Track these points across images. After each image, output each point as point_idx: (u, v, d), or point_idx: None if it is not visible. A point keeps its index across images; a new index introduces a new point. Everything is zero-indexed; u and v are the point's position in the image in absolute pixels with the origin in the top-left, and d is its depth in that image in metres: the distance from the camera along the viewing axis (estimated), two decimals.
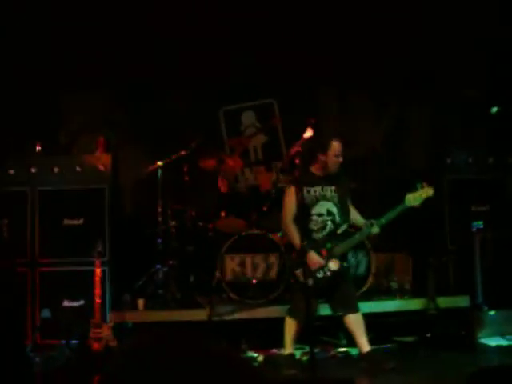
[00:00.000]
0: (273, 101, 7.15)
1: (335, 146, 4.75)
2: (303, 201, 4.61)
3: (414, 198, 4.65)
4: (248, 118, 7.22)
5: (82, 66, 6.30)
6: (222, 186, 6.01)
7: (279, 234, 5.53)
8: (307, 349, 4.76)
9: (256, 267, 5.57)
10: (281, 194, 5.56)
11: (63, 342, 5.19)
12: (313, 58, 6.40)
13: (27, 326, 5.49)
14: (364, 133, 6.79)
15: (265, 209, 5.84)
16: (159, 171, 5.95)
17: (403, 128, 6.91)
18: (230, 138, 6.93)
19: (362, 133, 6.79)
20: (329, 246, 4.65)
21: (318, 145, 4.85)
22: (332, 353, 5.16)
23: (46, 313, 5.55)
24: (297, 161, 4.55)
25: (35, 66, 6.23)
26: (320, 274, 4.62)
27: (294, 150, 5.24)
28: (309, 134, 5.48)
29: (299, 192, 4.49)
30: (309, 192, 4.76)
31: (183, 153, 5.92)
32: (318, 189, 4.78)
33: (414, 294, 5.81)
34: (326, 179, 4.81)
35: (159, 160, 5.94)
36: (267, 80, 6.67)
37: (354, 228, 4.91)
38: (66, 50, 6.23)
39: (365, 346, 4.68)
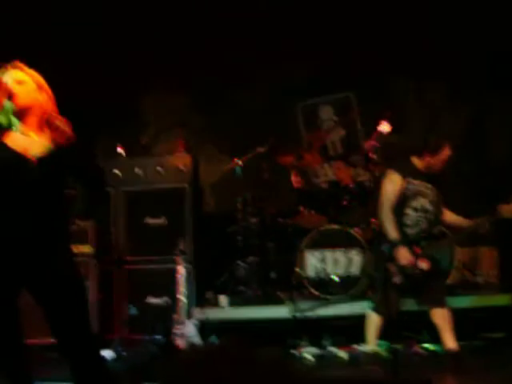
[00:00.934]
0: (350, 94, 7.05)
1: (446, 152, 4.63)
2: (403, 192, 4.51)
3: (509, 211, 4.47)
4: (326, 112, 7.16)
5: (159, 67, 6.42)
6: (298, 181, 6.00)
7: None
8: (390, 345, 4.68)
9: (337, 263, 5.53)
10: (361, 188, 5.51)
11: (149, 338, 5.32)
12: (389, 49, 6.27)
13: (115, 321, 5.67)
14: (441, 126, 6.60)
15: (345, 203, 5.79)
16: (238, 169, 6.00)
17: (483, 121, 6.67)
18: (308, 133, 6.92)
19: (439, 126, 6.61)
20: (423, 243, 4.53)
21: (425, 143, 4.70)
22: (415, 349, 5.05)
23: (133, 309, 5.70)
24: (372, 155, 4.47)
25: (116, 68, 6.40)
26: (409, 272, 4.50)
27: (371, 143, 5.17)
28: (385, 127, 5.38)
29: (401, 181, 4.41)
30: (409, 183, 4.61)
31: (261, 150, 5.95)
32: (418, 183, 4.63)
33: (502, 288, 5.62)
34: (427, 176, 4.66)
35: (238, 158, 6.00)
36: (344, 73, 6.59)
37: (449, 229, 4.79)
38: (145, 52, 6.37)
39: (451, 341, 4.55)
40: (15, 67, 3.02)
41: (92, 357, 3.03)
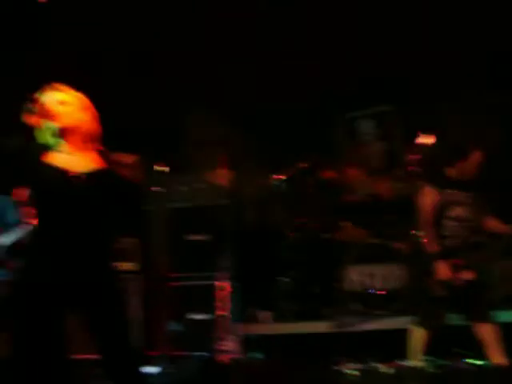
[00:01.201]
0: (391, 107, 7.01)
1: (477, 156, 4.57)
2: (438, 203, 4.46)
3: None
4: (367, 125, 7.13)
5: (200, 83, 6.48)
6: (347, 195, 5.99)
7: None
8: (435, 360, 4.59)
9: (379, 277, 5.47)
10: (402, 201, 5.44)
11: (192, 354, 5.35)
12: (428, 62, 6.21)
13: (159, 337, 5.71)
14: (481, 133, 6.48)
15: (386, 217, 5.74)
16: (281, 184, 6.02)
17: None
18: (349, 147, 6.89)
19: (479, 133, 6.48)
20: (463, 253, 4.46)
21: (456, 150, 4.66)
22: (462, 364, 4.94)
23: (176, 325, 5.74)
24: (415, 168, 4.42)
25: (157, 86, 6.49)
26: (453, 284, 4.42)
27: (411, 156, 5.12)
28: (425, 140, 5.33)
29: (435, 193, 4.37)
30: (443, 194, 4.54)
31: (303, 165, 5.96)
32: (453, 192, 4.57)
33: None
34: (462, 184, 4.61)
35: (280, 173, 6.02)
36: (385, 87, 6.56)
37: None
38: (186, 69, 6.44)
39: (499, 356, 4.44)
40: (56, 89, 3.08)
41: (133, 373, 3.07)
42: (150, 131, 6.60)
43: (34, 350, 2.86)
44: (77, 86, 3.17)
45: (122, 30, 5.96)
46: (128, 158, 3.09)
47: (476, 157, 4.54)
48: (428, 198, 4.53)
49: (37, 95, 3.02)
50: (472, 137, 5.29)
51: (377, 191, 6.27)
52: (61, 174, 2.97)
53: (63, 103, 3.04)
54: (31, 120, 2.93)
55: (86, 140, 3.08)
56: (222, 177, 6.20)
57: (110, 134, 3.12)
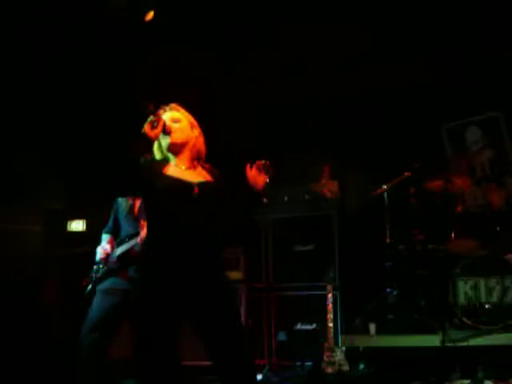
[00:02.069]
0: (498, 114, 6.76)
1: None
2: None
3: None
4: (472, 133, 6.90)
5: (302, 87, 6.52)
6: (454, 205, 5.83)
7: None
8: None
9: (490, 291, 5.28)
10: None
11: (298, 364, 5.39)
12: None
13: (265, 347, 5.79)
14: None
15: (498, 227, 5.54)
16: (385, 194, 5.95)
17: None
18: (455, 155, 6.71)
19: None
20: None
21: None
22: None
23: (282, 335, 5.80)
24: None
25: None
26: None
27: None
28: None
29: None
30: None
31: (407, 174, 5.87)
32: None
33: None
34: None
35: (384, 183, 5.96)
36: (491, 92, 6.34)
37: None
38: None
39: None
40: (172, 108, 3.32)
41: (248, 380, 3.14)
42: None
43: (153, 357, 3.01)
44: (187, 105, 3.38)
45: None
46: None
47: None
48: None
49: (158, 110, 3.22)
50: None
51: (487, 200, 6.07)
52: (181, 183, 3.16)
53: (176, 121, 3.28)
54: (152, 133, 3.11)
55: (195, 156, 3.30)
56: (327, 187, 6.21)
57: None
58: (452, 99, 6.56)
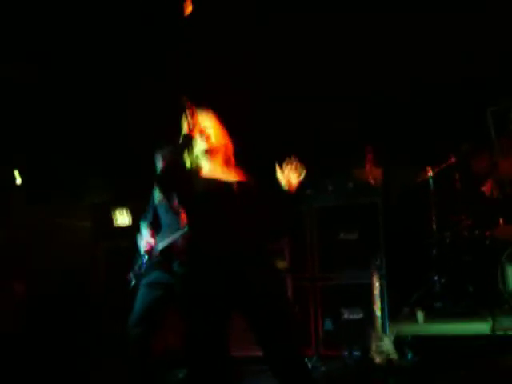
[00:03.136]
0: None
1: None
2: None
3: None
4: None
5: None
6: (494, 190, 5.72)
7: None
8: None
9: None
10: None
11: (345, 353, 5.37)
12: None
13: (311, 336, 5.80)
14: None
15: None
16: (430, 180, 5.88)
17: None
18: (501, 139, 6.55)
19: None
20: None
21: None
22: None
23: (328, 325, 5.79)
24: None
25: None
26: None
27: None
28: None
29: None
30: None
31: (453, 159, 5.78)
32: None
33: None
34: None
35: (429, 169, 5.88)
36: None
37: None
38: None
39: None
40: (208, 113, 3.45)
41: (300, 371, 3.16)
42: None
43: (203, 349, 3.07)
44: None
45: None
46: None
47: None
48: None
49: (194, 111, 3.28)
50: None
51: None
52: (220, 182, 3.27)
53: (212, 127, 3.41)
54: (188, 130, 3.21)
55: (227, 161, 3.43)
56: (371, 175, 6.16)
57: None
58: (497, 81, 6.42)
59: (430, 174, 5.87)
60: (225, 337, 3.15)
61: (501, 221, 5.60)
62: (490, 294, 5.33)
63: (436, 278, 5.70)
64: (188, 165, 3.25)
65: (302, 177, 3.36)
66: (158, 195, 4.68)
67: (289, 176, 3.33)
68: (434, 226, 5.87)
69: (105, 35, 6.13)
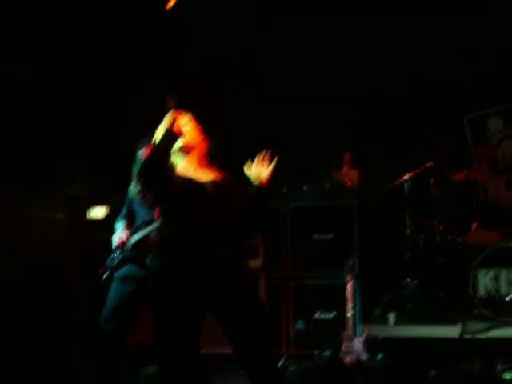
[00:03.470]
0: None
1: None
2: None
3: None
4: (494, 123, 6.79)
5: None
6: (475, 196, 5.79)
7: None
8: None
9: (511, 283, 5.24)
10: None
11: (316, 353, 5.39)
12: None
13: (282, 336, 5.81)
14: None
15: None
16: (406, 184, 5.92)
17: None
18: (477, 146, 6.64)
19: None
20: None
21: None
22: None
23: (300, 324, 5.81)
24: None
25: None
26: None
27: None
28: None
29: None
30: None
31: (429, 165, 5.83)
32: None
33: None
34: None
35: (405, 173, 5.93)
36: None
37: None
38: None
39: None
40: (184, 111, 3.45)
41: (270, 370, 3.17)
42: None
43: (173, 346, 3.06)
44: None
45: None
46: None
47: None
48: None
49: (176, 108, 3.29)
50: None
51: (509, 191, 6.02)
52: (193, 182, 3.29)
53: (186, 124, 3.44)
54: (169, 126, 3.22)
55: (201, 158, 3.46)
56: (347, 176, 6.19)
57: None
58: (474, 89, 6.49)
59: (406, 177, 5.91)
60: (196, 333, 3.15)
61: (473, 226, 5.66)
62: (460, 299, 5.38)
63: (408, 280, 5.74)
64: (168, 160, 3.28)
65: (271, 167, 3.41)
66: (133, 188, 4.67)
67: (258, 170, 3.37)
68: (408, 230, 5.91)
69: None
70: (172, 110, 3.29)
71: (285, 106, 6.67)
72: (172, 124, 3.24)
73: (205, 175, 3.38)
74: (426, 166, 5.83)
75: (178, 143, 3.35)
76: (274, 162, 3.43)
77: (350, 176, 6.22)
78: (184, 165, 3.39)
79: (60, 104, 6.56)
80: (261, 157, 3.42)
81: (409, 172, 5.91)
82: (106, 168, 6.68)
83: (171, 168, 3.31)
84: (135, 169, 4.73)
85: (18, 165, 6.24)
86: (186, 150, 3.40)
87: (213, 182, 3.32)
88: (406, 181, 5.90)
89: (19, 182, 6.28)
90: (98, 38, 6.14)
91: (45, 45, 6.04)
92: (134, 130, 4.58)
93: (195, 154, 3.43)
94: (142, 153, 4.50)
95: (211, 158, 3.50)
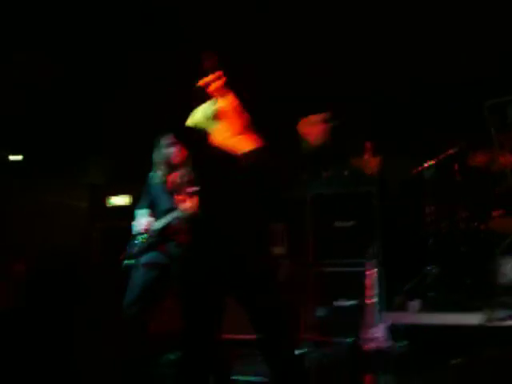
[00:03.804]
0: None
1: None
2: None
3: None
4: None
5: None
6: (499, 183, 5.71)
7: None
8: None
9: None
10: None
11: (337, 340, 5.39)
12: None
13: (304, 322, 5.80)
14: None
15: None
16: (428, 171, 5.88)
17: None
18: (499, 133, 6.55)
19: None
20: None
21: None
22: None
23: (322, 311, 5.80)
24: None
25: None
26: None
27: None
28: None
29: None
30: None
31: (451, 151, 5.78)
32: None
33: None
34: None
35: (427, 160, 5.89)
36: None
37: None
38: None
39: None
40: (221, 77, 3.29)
41: (289, 355, 3.16)
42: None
43: (196, 332, 3.06)
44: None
45: None
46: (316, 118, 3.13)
47: None
48: None
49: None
50: None
51: None
52: (225, 153, 3.14)
53: (223, 91, 3.27)
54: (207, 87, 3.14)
55: (240, 124, 3.25)
56: (368, 163, 6.15)
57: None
58: (495, 76, 6.41)
59: (428, 164, 5.87)
60: (219, 319, 3.15)
61: (497, 213, 5.60)
62: (484, 286, 5.33)
63: (430, 268, 5.70)
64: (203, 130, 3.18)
65: (328, 129, 3.11)
66: (155, 175, 4.68)
67: (313, 128, 3.11)
68: (431, 217, 5.86)
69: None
70: (210, 71, 3.16)
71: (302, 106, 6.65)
72: (208, 85, 3.14)
73: (241, 144, 3.20)
74: (447, 152, 5.79)
75: (214, 107, 3.22)
76: (333, 122, 3.19)
77: (370, 163, 6.18)
78: (218, 131, 3.21)
79: (84, 96, 6.60)
80: (318, 117, 3.15)
81: (431, 159, 5.86)
82: (127, 157, 6.71)
83: (204, 134, 3.18)
84: (157, 156, 4.75)
85: (43, 155, 6.30)
86: (223, 114, 3.23)
87: (245, 155, 3.15)
88: (429, 167, 5.86)
89: (44, 172, 6.36)
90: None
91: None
92: (152, 119, 4.59)
93: (233, 120, 3.25)
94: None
95: (250, 126, 3.25)
